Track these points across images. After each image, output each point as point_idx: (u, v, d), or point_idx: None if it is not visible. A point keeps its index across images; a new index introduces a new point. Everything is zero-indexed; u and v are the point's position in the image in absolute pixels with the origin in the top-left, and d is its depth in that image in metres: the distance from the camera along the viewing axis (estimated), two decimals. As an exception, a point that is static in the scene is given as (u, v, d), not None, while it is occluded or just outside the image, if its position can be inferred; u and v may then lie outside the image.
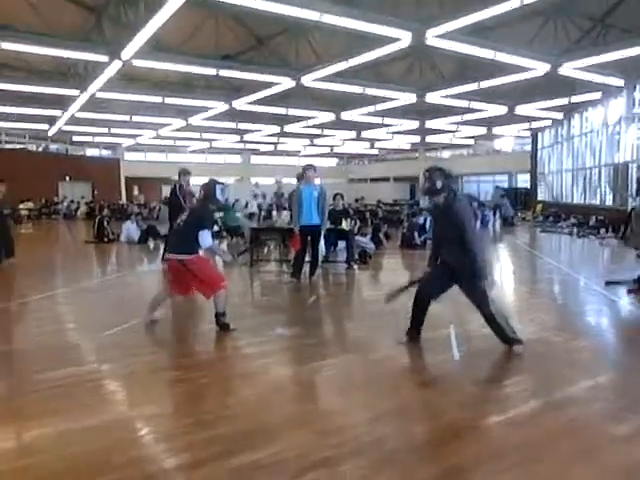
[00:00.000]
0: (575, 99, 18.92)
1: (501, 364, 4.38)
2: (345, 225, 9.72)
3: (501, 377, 4.03)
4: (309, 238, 8.07)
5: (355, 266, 9.50)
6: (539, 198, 27.75)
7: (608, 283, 7.62)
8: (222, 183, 5.54)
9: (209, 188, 5.40)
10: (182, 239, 5.19)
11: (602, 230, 15.85)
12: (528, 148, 30.71)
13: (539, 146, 28.53)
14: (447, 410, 3.46)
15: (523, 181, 32.95)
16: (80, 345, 4.90)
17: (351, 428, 3.16)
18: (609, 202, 19.26)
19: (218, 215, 12.97)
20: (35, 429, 3.15)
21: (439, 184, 4.46)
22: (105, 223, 14.58)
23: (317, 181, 8.46)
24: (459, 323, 5.45)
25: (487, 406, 3.52)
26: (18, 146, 29.38)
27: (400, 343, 4.84)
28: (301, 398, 3.73)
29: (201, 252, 5.25)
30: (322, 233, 8.09)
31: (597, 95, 18.38)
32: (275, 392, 3.76)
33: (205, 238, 5.13)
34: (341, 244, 10.25)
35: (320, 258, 8.42)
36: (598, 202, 20.21)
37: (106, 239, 14.32)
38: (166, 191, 29.44)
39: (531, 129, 27.37)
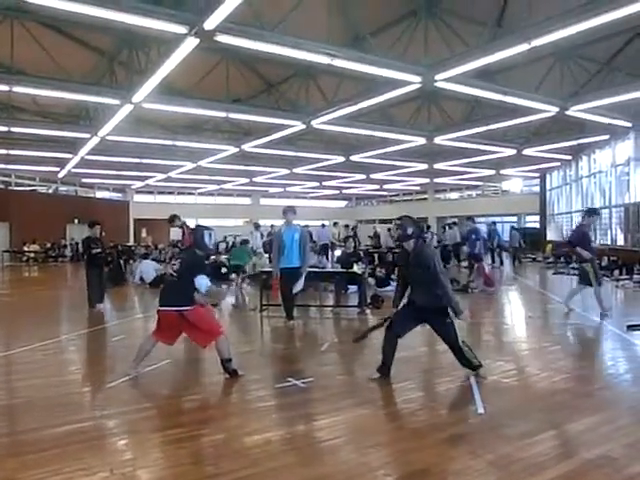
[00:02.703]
0: (583, 140, 18.96)
1: (529, 417, 4.08)
2: (357, 269, 9.53)
3: (531, 432, 3.74)
4: (292, 282, 8.06)
5: (367, 311, 9.26)
6: (548, 238, 27.55)
7: (630, 327, 7.35)
8: (209, 228, 5.46)
9: (197, 234, 5.37)
10: (179, 291, 5.08)
11: (616, 271, 15.56)
12: (536, 189, 30.71)
13: (548, 187, 28.51)
14: (475, 472, 3.18)
15: (531, 222, 32.90)
16: (82, 399, 4.67)
17: (373, 495, 2.91)
18: (620, 242, 19.00)
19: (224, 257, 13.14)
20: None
21: (410, 230, 4.97)
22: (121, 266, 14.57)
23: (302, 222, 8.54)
24: (478, 372, 5.19)
25: (519, 467, 3.22)
26: (28, 188, 29.64)
27: (371, 379, 5.08)
28: (317, 459, 3.45)
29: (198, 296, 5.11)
30: (303, 275, 8.01)
31: (604, 136, 18.39)
32: (289, 452, 3.50)
33: (201, 282, 5.09)
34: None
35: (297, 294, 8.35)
36: (609, 242, 19.96)
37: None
38: (174, 234, 29.58)
39: (539, 170, 27.40)
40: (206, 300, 5.46)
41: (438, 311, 4.94)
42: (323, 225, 22.43)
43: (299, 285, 8.01)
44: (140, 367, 5.26)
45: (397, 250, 18.24)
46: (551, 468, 3.20)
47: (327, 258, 13.10)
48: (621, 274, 15.16)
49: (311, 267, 11.62)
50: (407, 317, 5.11)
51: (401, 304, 5.23)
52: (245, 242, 14.88)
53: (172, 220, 10.14)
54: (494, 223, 20.15)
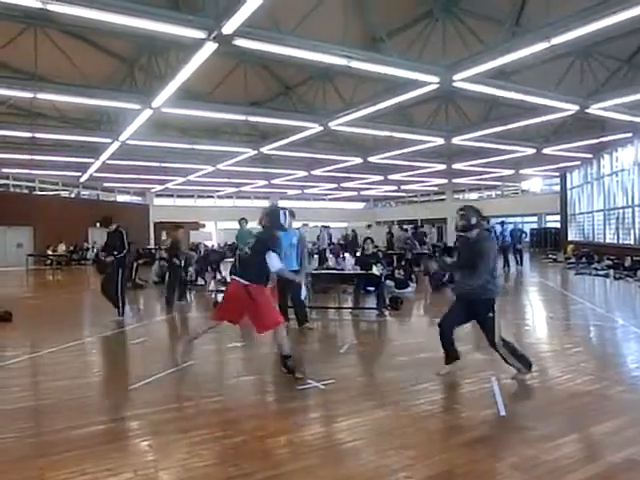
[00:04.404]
0: (604, 139, 18.70)
1: (551, 420, 4.04)
2: (376, 270, 9.51)
3: (554, 435, 3.70)
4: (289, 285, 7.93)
5: (386, 312, 9.25)
6: (570, 238, 27.20)
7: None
8: (284, 208, 5.64)
9: (274, 215, 5.46)
10: (250, 267, 5.19)
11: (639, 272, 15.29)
12: (557, 188, 30.34)
13: (568, 186, 28.15)
14: (498, 475, 3.17)
15: (552, 222, 32.55)
16: (106, 400, 4.74)
17: (395, 497, 2.91)
18: (645, 242, 18.71)
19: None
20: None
21: (474, 220, 5.04)
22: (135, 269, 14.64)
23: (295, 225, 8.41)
24: (500, 374, 5.16)
25: (543, 470, 3.19)
26: (51, 193, 30.14)
27: (440, 375, 5.20)
28: (336, 460, 3.46)
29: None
30: (302, 279, 7.89)
31: (627, 134, 18.10)
32: (311, 454, 3.51)
33: (274, 261, 5.17)
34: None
35: (306, 302, 8.31)
36: (632, 242, 19.63)
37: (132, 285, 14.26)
38: (195, 237, 29.88)
39: (560, 169, 27.06)
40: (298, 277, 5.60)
41: (483, 303, 4.97)
42: (324, 227, 20.88)
43: (303, 290, 8.00)
44: (163, 369, 5.30)
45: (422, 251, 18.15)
46: (576, 471, 3.17)
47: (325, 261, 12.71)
48: (645, 274, 14.89)
49: (330, 269, 11.67)
50: (458, 312, 5.19)
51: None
52: (243, 221, 12.28)
53: (106, 223, 9.16)
54: (503, 223, 19.89)
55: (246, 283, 5.10)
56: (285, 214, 5.49)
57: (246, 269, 5.21)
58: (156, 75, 12.01)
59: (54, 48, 11.36)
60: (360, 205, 47.90)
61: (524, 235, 20.12)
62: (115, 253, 8.96)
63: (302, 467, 3.31)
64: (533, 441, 3.65)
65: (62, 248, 25.60)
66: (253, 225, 12.80)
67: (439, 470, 3.26)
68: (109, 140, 16.75)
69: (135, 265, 14.82)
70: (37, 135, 16.65)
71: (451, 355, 5.26)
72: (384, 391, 4.87)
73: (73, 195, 32.01)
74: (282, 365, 5.23)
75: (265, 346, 6.71)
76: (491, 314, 4.99)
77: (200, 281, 14.35)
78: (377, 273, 9.52)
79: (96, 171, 23.75)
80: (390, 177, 28.38)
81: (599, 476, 3.11)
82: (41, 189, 29.40)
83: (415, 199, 43.03)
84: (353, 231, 23.23)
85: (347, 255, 15.08)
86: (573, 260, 21.41)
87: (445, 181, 31.98)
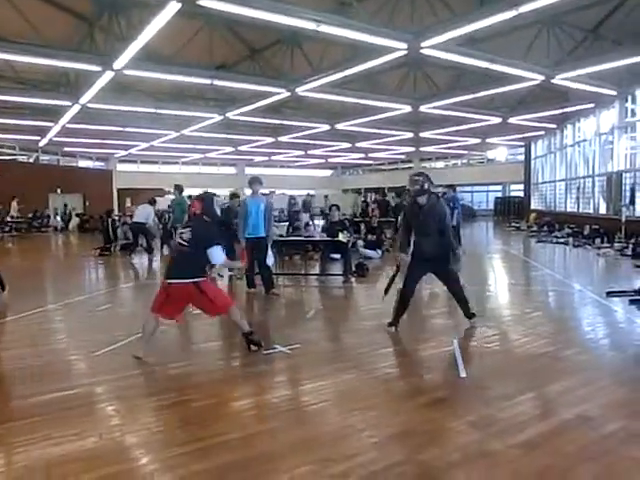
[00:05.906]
0: (568, 109, 19.01)
1: (510, 381, 4.21)
2: (342, 237, 9.57)
3: (511, 395, 3.85)
4: (256, 251, 7.97)
5: (352, 279, 9.35)
6: (532, 207, 27.83)
7: (610, 294, 7.50)
8: (215, 194, 5.29)
9: (207, 202, 4.96)
10: (191, 262, 4.72)
11: (597, 240, 15.80)
12: (521, 158, 30.84)
13: (532, 156, 28.65)
14: (456, 433, 3.29)
15: (516, 191, 33.19)
16: (70, 367, 4.68)
17: (356, 455, 2.99)
18: (602, 211, 19.27)
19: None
20: (23, 459, 2.97)
21: (426, 186, 5.41)
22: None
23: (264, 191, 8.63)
24: (462, 338, 5.32)
25: (498, 428, 3.33)
26: (8, 157, 28.99)
27: (387, 331, 5.60)
28: (301, 422, 3.53)
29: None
30: (269, 244, 8.00)
31: (589, 105, 18.44)
32: (274, 416, 3.58)
33: (216, 254, 4.76)
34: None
35: (272, 269, 8.30)
36: (591, 211, 20.23)
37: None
38: (160, 203, 29.34)
39: (524, 138, 27.47)
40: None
41: (445, 259, 5.50)
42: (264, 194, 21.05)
43: (270, 257, 8.02)
44: (142, 350, 5.12)
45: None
46: (530, 428, 3.31)
47: None
48: (602, 242, 15.40)
49: (298, 235, 11.67)
50: (416, 271, 5.60)
51: (408, 255, 5.69)
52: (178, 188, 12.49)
53: None
54: (444, 194, 19.89)
55: (195, 281, 4.67)
56: (217, 201, 5.08)
57: (189, 265, 4.72)
58: (117, 36, 11.56)
59: (6, 3, 10.78)
60: (328, 172, 47.78)
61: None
62: None
63: (268, 429, 3.37)
64: (490, 400, 3.79)
65: (15, 207, 24.40)
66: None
67: (401, 429, 3.36)
68: (69, 103, 16.16)
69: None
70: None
71: (399, 318, 5.65)
72: (349, 355, 4.96)
73: (32, 160, 30.88)
74: (247, 343, 5.00)
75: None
76: (454, 266, 5.63)
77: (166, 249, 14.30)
78: (344, 240, 9.58)
79: (56, 135, 22.95)
80: (358, 145, 28.33)
81: (551, 432, 3.26)
82: (-3, 153, 28.27)
83: (383, 167, 43.13)
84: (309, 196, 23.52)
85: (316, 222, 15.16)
86: (535, 228, 21.98)
87: (412, 149, 32.10)
